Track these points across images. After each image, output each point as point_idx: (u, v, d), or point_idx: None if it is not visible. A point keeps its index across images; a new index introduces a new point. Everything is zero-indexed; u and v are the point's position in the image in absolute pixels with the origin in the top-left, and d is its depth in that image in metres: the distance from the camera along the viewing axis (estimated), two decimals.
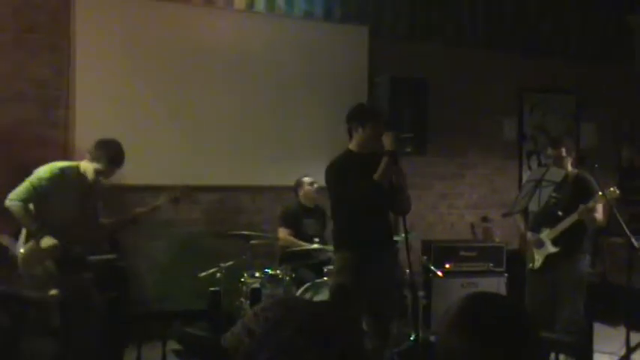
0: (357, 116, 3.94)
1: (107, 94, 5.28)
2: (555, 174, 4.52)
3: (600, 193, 4.26)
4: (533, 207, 4.55)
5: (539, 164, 6.95)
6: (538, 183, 4.47)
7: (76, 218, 3.85)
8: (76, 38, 5.17)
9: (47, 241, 3.71)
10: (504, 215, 5.15)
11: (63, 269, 3.76)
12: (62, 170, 3.87)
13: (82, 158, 5.20)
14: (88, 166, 3.91)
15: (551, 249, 4.51)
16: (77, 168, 3.94)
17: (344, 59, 6.20)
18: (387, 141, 3.72)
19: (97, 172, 3.89)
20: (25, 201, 3.74)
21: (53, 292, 3.71)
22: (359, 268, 3.75)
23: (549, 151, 4.63)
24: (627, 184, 6.55)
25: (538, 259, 4.59)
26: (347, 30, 6.23)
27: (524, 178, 6.39)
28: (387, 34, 6.43)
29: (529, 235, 4.65)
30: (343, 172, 3.80)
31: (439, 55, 6.64)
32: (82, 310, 3.79)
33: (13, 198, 3.74)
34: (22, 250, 3.79)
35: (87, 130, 5.17)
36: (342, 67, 6.19)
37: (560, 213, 4.50)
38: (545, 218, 4.58)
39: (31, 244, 3.77)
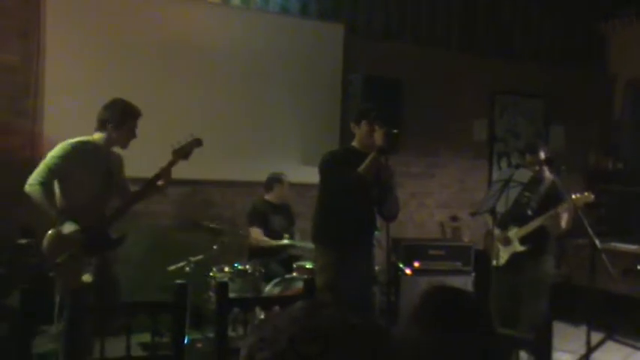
0: (355, 116, 4.06)
1: (77, 84, 5.20)
2: (523, 175, 4.60)
3: (574, 195, 4.33)
4: (501, 207, 4.61)
5: (509, 165, 7.05)
6: (506, 183, 4.54)
7: (102, 193, 3.80)
8: (46, 25, 5.09)
9: (68, 227, 3.64)
10: (472, 214, 5.22)
11: (88, 253, 3.70)
12: (73, 146, 3.77)
13: (50, 148, 5.13)
14: (100, 136, 3.84)
15: (518, 247, 4.59)
16: (91, 141, 3.84)
17: (319, 56, 6.21)
18: (377, 137, 3.75)
19: (112, 131, 3.81)
20: (43, 184, 3.65)
21: (86, 277, 3.66)
22: (340, 267, 3.78)
23: (528, 157, 4.68)
24: (594, 187, 6.66)
25: (503, 257, 4.65)
26: (322, 27, 6.24)
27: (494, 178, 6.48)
28: (362, 32, 6.46)
29: (496, 231, 4.71)
30: (338, 163, 3.87)
31: (413, 55, 6.68)
32: (112, 293, 3.78)
33: (31, 182, 3.66)
34: (45, 238, 3.72)
35: (56, 120, 5.10)
36: (317, 64, 6.20)
37: (529, 213, 4.58)
38: (515, 217, 4.65)
39: (54, 230, 3.69)
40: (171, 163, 3.92)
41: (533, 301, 4.54)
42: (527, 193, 4.62)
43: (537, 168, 4.60)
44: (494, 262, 4.70)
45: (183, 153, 3.93)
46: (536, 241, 4.56)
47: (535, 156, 4.62)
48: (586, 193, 4.39)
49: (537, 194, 4.62)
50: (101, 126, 3.86)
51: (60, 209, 3.69)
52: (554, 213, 4.42)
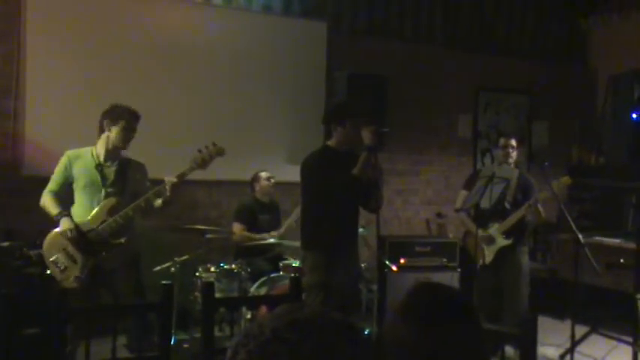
0: (336, 116, 3.93)
1: (58, 84, 5.16)
2: (506, 171, 4.64)
3: (554, 182, 4.42)
4: (485, 203, 4.63)
5: (493, 161, 7.08)
6: (489, 180, 4.57)
7: (101, 199, 3.79)
8: (26, 26, 5.04)
9: (64, 225, 3.69)
10: (457, 211, 5.24)
11: (84, 251, 3.70)
12: (68, 156, 3.83)
13: (32, 149, 5.10)
14: (100, 141, 3.84)
15: (503, 242, 4.62)
16: (92, 150, 3.87)
17: (302, 54, 6.20)
18: (366, 135, 3.67)
19: (123, 129, 3.79)
20: (49, 192, 3.78)
21: (75, 275, 3.66)
22: (330, 267, 3.77)
23: (502, 141, 4.78)
24: (577, 182, 6.72)
25: (489, 255, 4.68)
26: (306, 25, 6.23)
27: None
28: (346, 30, 6.46)
29: (480, 232, 4.71)
30: (320, 167, 3.79)
31: (397, 52, 6.70)
32: (99, 293, 3.79)
33: (43, 193, 3.80)
34: (47, 238, 3.78)
35: (37, 121, 5.07)
36: (301, 62, 6.19)
37: (507, 206, 4.63)
38: (493, 213, 4.68)
39: (53, 230, 3.75)
40: (183, 175, 3.76)
41: (515, 294, 4.60)
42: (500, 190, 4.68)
43: (509, 151, 4.69)
44: (480, 262, 4.71)
45: (202, 162, 3.76)
46: (516, 234, 4.66)
47: (508, 139, 4.75)
48: (563, 178, 4.46)
49: (509, 188, 4.69)
50: (100, 130, 3.88)
51: (60, 209, 3.74)
52: (533, 202, 4.51)
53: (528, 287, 4.69)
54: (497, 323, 4.30)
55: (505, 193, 4.66)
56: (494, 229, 4.67)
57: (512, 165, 4.77)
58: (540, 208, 4.61)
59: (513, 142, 4.74)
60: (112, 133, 3.81)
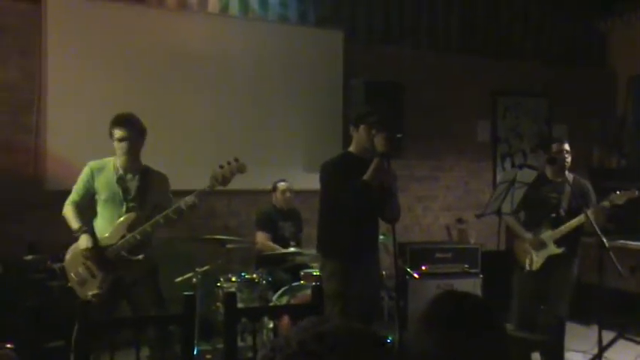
0: (352, 119, 3.98)
1: (79, 99, 5.22)
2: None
3: (618, 192, 4.24)
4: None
5: (513, 166, 7.04)
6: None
7: (122, 212, 3.80)
8: (47, 42, 5.11)
9: (83, 242, 3.70)
10: (478, 216, 5.18)
11: (102, 267, 3.72)
12: (91, 167, 3.84)
13: (54, 163, 5.15)
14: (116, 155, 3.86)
15: (555, 250, 4.46)
16: (113, 161, 3.86)
17: (319, 63, 6.22)
18: (379, 142, 3.67)
19: (116, 140, 3.76)
20: (71, 203, 3.78)
21: (93, 291, 3.68)
22: (348, 275, 3.75)
23: (555, 147, 4.52)
24: (598, 185, 6.63)
25: (537, 261, 4.50)
26: (322, 34, 6.25)
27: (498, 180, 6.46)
28: (362, 38, 6.47)
29: (529, 236, 4.55)
30: (337, 172, 3.78)
31: (413, 59, 6.69)
32: (119, 306, 3.83)
33: (65, 203, 3.81)
34: (69, 252, 3.81)
35: (58, 135, 5.13)
36: (318, 71, 6.21)
37: (562, 213, 4.49)
38: (547, 219, 4.53)
39: (74, 245, 3.77)
40: (203, 193, 3.70)
41: (558, 302, 4.42)
42: (554, 194, 4.50)
43: (565, 156, 4.44)
44: (527, 267, 4.55)
45: (222, 179, 3.65)
46: (570, 243, 4.44)
47: (561, 144, 4.50)
48: (628, 191, 4.25)
49: (565, 194, 4.49)
50: None
51: (81, 224, 3.75)
52: (593, 209, 4.26)
53: (570, 299, 4.50)
54: (532, 330, 4.19)
55: (558, 200, 4.52)
56: (547, 235, 4.49)
57: (566, 171, 4.49)
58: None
59: (567, 147, 4.48)
60: (115, 145, 3.82)
